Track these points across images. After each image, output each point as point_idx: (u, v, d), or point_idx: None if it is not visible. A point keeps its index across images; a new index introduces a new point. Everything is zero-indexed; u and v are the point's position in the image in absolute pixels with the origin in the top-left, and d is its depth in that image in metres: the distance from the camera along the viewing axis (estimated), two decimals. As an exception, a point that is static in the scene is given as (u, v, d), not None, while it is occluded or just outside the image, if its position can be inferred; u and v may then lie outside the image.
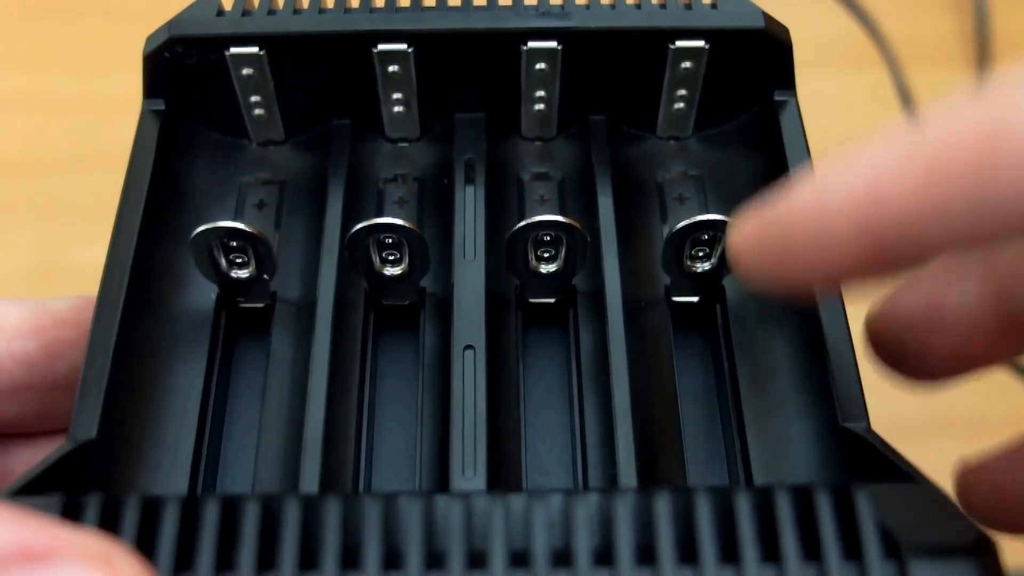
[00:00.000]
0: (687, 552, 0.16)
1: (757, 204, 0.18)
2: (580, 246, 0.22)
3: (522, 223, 0.22)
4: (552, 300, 0.24)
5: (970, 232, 0.15)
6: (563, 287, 0.23)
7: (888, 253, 0.16)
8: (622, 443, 0.20)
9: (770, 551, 0.16)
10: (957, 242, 0.15)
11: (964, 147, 0.15)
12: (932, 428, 0.41)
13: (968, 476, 0.23)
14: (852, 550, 0.16)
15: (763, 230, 0.17)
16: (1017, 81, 0.15)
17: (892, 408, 0.37)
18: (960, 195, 0.15)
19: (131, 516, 0.16)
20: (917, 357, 0.22)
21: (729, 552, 0.16)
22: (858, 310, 0.23)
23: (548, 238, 0.23)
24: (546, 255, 0.23)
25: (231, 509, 0.16)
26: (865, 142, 0.16)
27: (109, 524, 0.16)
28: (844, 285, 0.18)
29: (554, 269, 0.23)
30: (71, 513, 0.16)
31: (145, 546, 0.16)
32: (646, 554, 0.16)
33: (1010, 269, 0.20)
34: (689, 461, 0.22)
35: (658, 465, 0.21)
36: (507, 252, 0.23)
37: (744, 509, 0.16)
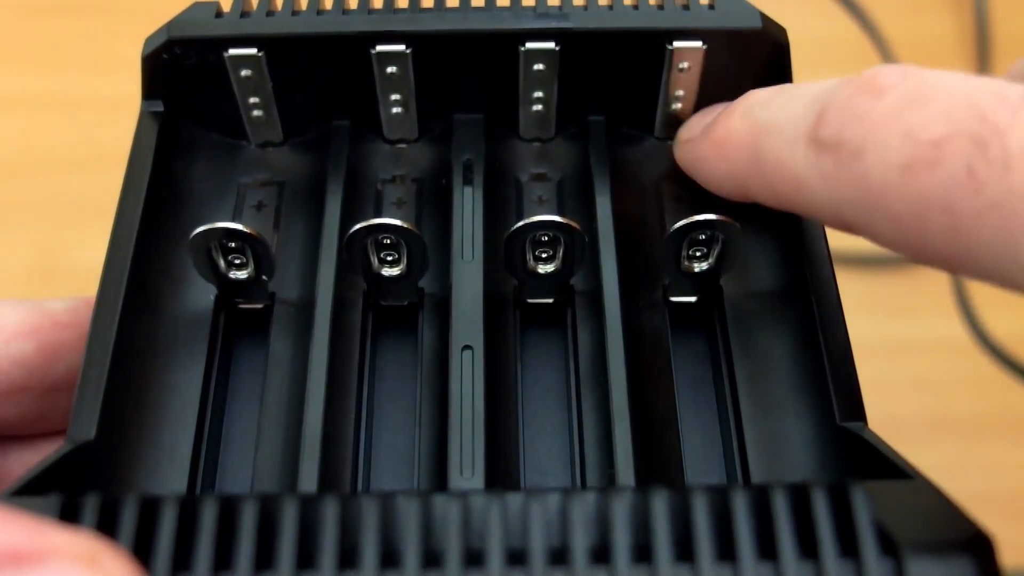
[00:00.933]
0: (684, 550, 0.16)
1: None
2: (578, 246, 0.22)
3: (520, 223, 0.22)
4: (550, 300, 0.24)
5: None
6: (561, 287, 0.24)
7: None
8: (620, 443, 0.20)
9: (766, 549, 0.16)
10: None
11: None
12: (932, 428, 0.41)
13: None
14: (848, 547, 0.16)
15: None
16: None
17: (892, 408, 0.37)
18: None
19: (129, 516, 0.16)
20: None
21: (725, 550, 0.16)
22: (854, 308, 0.23)
23: (546, 238, 0.23)
24: (544, 255, 0.23)
25: (229, 509, 0.16)
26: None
27: (107, 524, 0.16)
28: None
29: (552, 269, 0.23)
30: (69, 513, 0.16)
31: (143, 546, 0.16)
32: (643, 552, 0.16)
33: None
34: (687, 461, 0.22)
35: (656, 465, 0.21)
36: (505, 252, 0.23)
37: (740, 507, 0.16)
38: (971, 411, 0.37)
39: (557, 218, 0.22)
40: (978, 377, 0.37)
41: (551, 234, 0.22)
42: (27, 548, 0.14)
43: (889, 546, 0.16)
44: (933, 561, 0.15)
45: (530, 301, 0.24)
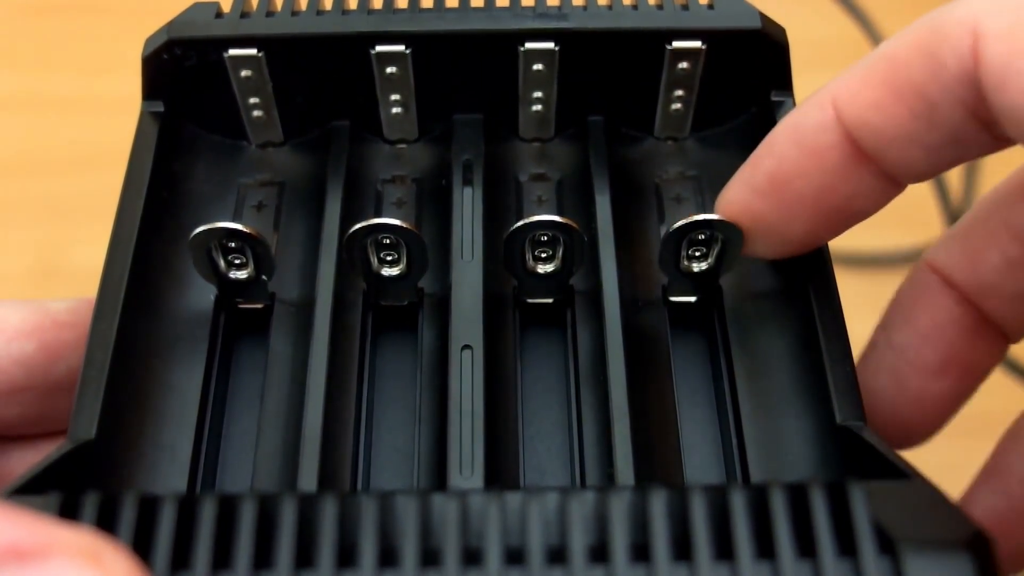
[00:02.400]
0: (682, 549, 0.16)
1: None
2: (578, 246, 0.22)
3: (520, 223, 0.22)
4: (550, 300, 0.24)
5: (922, 131, 0.19)
6: (561, 287, 0.24)
7: (862, 158, 0.20)
8: (619, 442, 0.20)
9: (765, 548, 0.16)
10: (914, 142, 0.19)
11: (912, 49, 0.19)
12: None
13: None
14: (847, 546, 0.16)
15: (751, 178, 0.21)
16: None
17: (891, 408, 0.37)
18: (909, 89, 0.19)
19: (128, 514, 0.16)
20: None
21: (724, 549, 0.16)
22: (854, 308, 0.23)
23: (545, 238, 0.23)
24: (544, 255, 0.23)
25: (228, 507, 0.16)
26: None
27: (106, 522, 0.16)
28: (838, 212, 0.21)
29: (552, 269, 0.23)
30: (69, 512, 0.16)
31: (142, 544, 0.16)
32: (641, 551, 0.16)
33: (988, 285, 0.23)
34: (687, 460, 0.22)
35: (655, 464, 0.21)
36: (505, 252, 0.23)
37: (739, 506, 0.16)
38: (971, 411, 0.37)
39: (556, 218, 0.22)
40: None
41: (551, 234, 0.22)
42: (29, 545, 0.14)
43: (887, 545, 0.16)
44: (931, 560, 0.15)
45: (530, 301, 0.24)
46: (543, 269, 0.23)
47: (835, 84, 0.20)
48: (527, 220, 0.22)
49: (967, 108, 0.18)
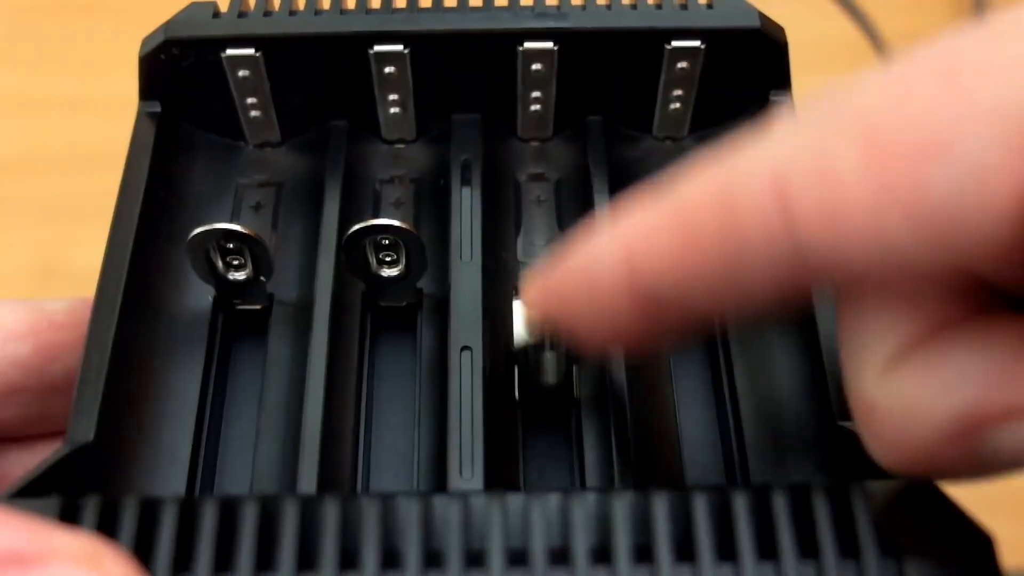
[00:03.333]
0: (684, 551, 0.16)
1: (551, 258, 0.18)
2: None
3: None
4: None
5: (730, 289, 0.15)
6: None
7: (662, 308, 0.16)
8: (619, 443, 0.20)
9: (767, 550, 0.16)
10: (723, 299, 0.16)
11: (706, 207, 0.15)
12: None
13: None
14: (849, 549, 0.16)
15: (547, 288, 0.18)
16: (752, 140, 0.15)
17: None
18: (708, 253, 0.15)
19: (129, 518, 0.16)
20: None
21: (726, 551, 0.16)
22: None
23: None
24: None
25: (229, 510, 0.16)
26: (632, 203, 0.16)
27: (107, 526, 0.16)
28: (636, 344, 0.18)
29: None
30: (69, 515, 0.16)
31: (143, 547, 0.16)
32: (643, 553, 0.16)
33: None
34: (687, 461, 0.22)
35: (656, 465, 0.21)
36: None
37: (741, 508, 0.16)
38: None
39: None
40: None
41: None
42: (28, 549, 0.14)
43: (890, 547, 0.16)
44: (934, 562, 0.15)
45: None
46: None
47: (629, 236, 0.16)
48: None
49: (788, 262, 0.15)
